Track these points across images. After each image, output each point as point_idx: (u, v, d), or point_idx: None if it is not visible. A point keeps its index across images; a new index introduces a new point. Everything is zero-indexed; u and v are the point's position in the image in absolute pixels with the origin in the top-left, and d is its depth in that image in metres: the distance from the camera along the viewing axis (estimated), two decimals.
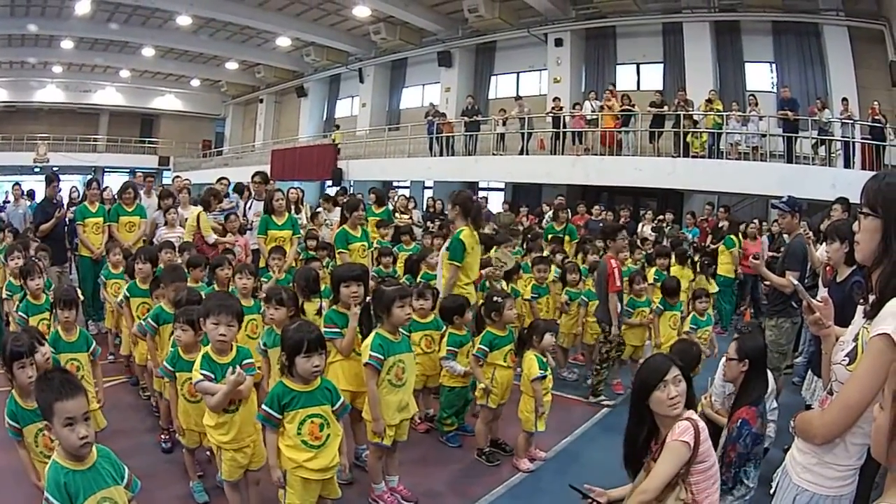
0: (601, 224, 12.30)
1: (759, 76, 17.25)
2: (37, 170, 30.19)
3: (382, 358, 4.03)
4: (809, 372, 4.78)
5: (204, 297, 4.77)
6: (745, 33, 17.28)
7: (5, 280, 6.60)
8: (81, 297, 5.13)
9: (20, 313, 5.37)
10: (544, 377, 4.82)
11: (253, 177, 9.63)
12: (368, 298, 4.42)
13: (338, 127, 26.26)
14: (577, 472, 4.85)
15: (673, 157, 14.64)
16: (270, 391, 3.46)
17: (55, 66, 29.91)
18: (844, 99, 13.83)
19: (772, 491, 2.73)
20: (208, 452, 4.34)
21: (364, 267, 4.90)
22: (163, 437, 5.10)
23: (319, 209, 11.18)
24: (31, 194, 13.37)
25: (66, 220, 8.90)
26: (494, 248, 7.96)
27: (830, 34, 15.45)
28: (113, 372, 6.66)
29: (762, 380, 3.68)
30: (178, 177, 10.91)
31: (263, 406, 3.39)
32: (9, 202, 12.54)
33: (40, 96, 32.18)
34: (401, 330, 4.28)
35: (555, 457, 5.24)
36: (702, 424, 2.79)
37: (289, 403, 3.35)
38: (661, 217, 13.24)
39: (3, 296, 6.41)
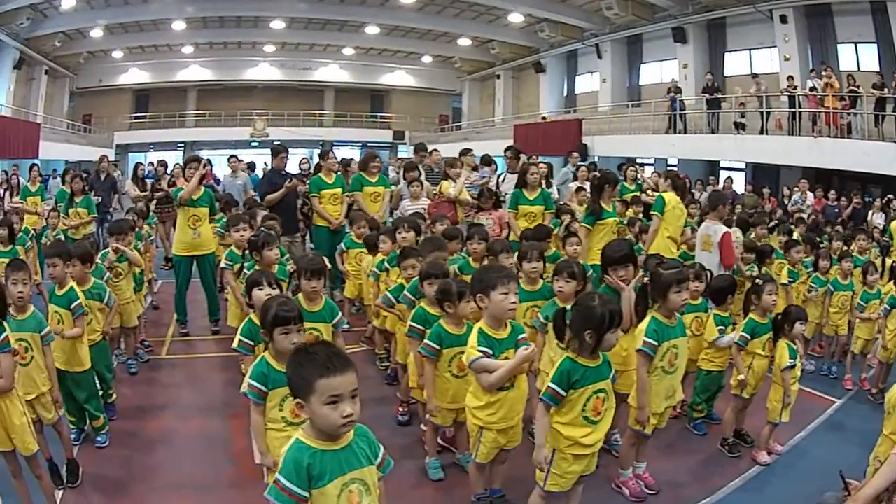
0: (837, 210, 12.58)
1: None
2: (254, 144, 31.08)
3: (657, 344, 3.84)
4: None
5: (456, 269, 4.89)
6: None
7: (225, 250, 6.51)
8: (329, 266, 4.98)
9: None
10: (793, 366, 4.60)
11: (505, 151, 9.60)
12: (646, 280, 4.25)
13: (544, 118, 26.70)
14: (806, 468, 4.73)
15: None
16: (559, 367, 3.27)
17: (266, 45, 30.77)
18: None
19: None
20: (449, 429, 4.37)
21: (631, 244, 4.75)
22: (400, 409, 5.08)
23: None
24: (251, 166, 14.06)
25: (297, 190, 8.77)
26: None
27: None
28: (348, 340, 6.62)
29: None
30: (435, 150, 10.80)
31: (551, 384, 3.22)
32: (225, 175, 12.51)
33: (251, 74, 33.37)
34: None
35: (787, 452, 5.04)
36: None
37: (578, 380, 3.21)
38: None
39: (223, 265, 6.13)
